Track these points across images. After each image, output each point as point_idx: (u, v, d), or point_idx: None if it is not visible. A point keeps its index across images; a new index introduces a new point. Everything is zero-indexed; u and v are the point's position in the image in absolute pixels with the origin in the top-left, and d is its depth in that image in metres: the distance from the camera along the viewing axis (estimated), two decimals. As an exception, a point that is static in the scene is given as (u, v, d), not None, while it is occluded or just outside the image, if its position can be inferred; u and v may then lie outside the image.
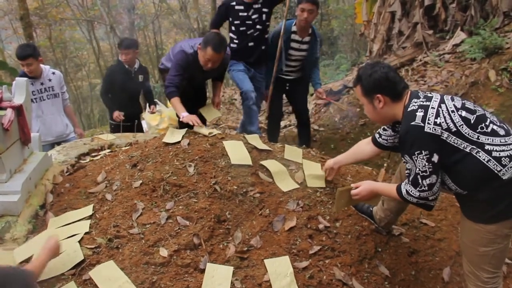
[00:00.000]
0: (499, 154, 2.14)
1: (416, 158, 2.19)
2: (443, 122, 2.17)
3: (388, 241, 2.98)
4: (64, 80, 5.14)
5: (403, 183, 2.36)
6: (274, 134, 5.65)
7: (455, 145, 2.17)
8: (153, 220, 2.74)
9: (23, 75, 4.67)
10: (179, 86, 4.03)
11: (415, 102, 2.27)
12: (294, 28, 5.07)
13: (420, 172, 2.21)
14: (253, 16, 4.85)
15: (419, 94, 2.34)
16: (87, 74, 26.50)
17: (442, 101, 2.25)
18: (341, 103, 6.83)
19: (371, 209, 3.02)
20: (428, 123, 2.16)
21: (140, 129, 5.87)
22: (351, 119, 6.44)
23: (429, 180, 2.21)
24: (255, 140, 3.50)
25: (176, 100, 3.92)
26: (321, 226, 2.87)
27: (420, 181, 2.23)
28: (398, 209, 2.89)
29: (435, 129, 2.16)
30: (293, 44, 5.14)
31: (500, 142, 2.17)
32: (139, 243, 2.60)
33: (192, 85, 4.44)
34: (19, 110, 3.12)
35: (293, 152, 3.55)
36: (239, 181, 3.03)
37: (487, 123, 2.21)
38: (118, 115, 5.48)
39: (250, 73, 5.03)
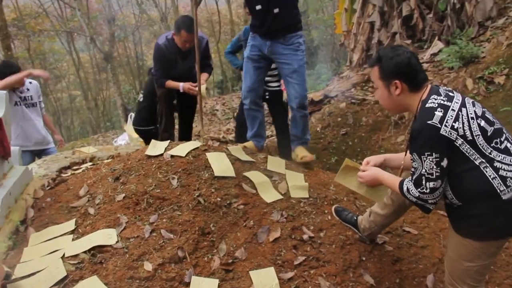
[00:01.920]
0: (506, 173, 2.07)
1: (425, 159, 2.08)
2: (460, 127, 2.05)
3: (372, 249, 2.99)
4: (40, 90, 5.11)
5: (406, 180, 2.26)
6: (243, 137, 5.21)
7: (467, 154, 2.08)
8: (136, 234, 2.72)
9: None
10: (165, 76, 4.56)
11: (435, 99, 2.13)
12: None
13: (425, 173, 2.11)
14: None
15: (440, 91, 2.20)
16: (67, 86, 26.26)
17: (463, 104, 2.13)
18: (323, 113, 6.89)
19: (355, 218, 3.04)
20: (445, 126, 2.04)
21: None
22: (332, 128, 6.50)
23: (433, 184, 2.11)
24: (238, 151, 3.51)
25: (168, 82, 4.55)
26: (305, 237, 2.88)
27: (423, 182, 2.13)
28: (385, 223, 2.89)
29: (451, 133, 2.04)
30: None
31: (510, 161, 2.10)
32: (123, 258, 2.57)
33: (179, 75, 4.60)
34: (-2, 124, 3.08)
35: (276, 163, 3.56)
36: (222, 193, 3.02)
37: (502, 139, 2.14)
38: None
39: (267, 47, 3.80)
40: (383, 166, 2.62)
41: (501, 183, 2.05)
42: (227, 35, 23.79)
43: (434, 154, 2.06)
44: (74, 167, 3.97)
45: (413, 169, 2.20)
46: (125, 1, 21.31)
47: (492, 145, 2.09)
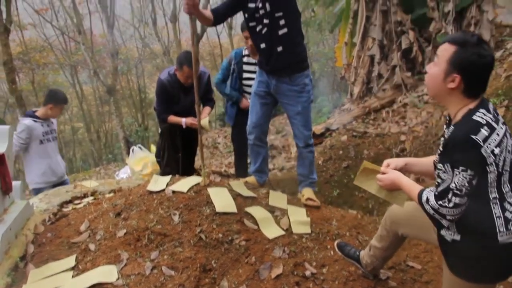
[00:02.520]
0: (511, 217, 1.98)
1: (457, 173, 1.93)
2: (498, 155, 1.93)
3: (376, 285, 2.95)
4: None
5: (427, 189, 2.10)
6: (241, 172, 5.27)
7: (489, 184, 1.97)
8: (137, 271, 2.69)
9: (32, 115, 4.80)
10: (167, 112, 4.67)
11: (484, 115, 1.95)
12: (245, 52, 4.90)
13: (454, 188, 1.95)
14: (260, 7, 3.58)
15: (489, 107, 2.02)
16: (69, 118, 26.42)
17: (505, 133, 1.99)
18: (324, 146, 6.90)
19: (358, 253, 3.01)
20: (487, 146, 1.90)
21: None
22: (334, 161, 6.49)
23: (459, 200, 1.95)
24: (239, 186, 3.51)
25: (171, 117, 4.66)
26: (307, 273, 2.85)
27: (449, 196, 1.96)
28: (385, 256, 2.86)
29: (489, 156, 1.91)
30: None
31: None
32: (123, 295, 2.54)
33: (182, 110, 4.65)
34: (1, 159, 3.09)
35: (278, 198, 3.55)
36: (224, 229, 3.01)
37: None
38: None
39: (272, 86, 3.77)
40: (403, 170, 2.43)
41: (503, 224, 1.96)
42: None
43: (469, 170, 1.91)
44: (76, 201, 3.97)
45: (439, 180, 2.04)
46: (129, 36, 21.71)
47: (510, 184, 2.01)
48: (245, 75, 4.92)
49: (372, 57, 8.57)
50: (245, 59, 4.89)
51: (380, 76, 8.49)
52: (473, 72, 1.96)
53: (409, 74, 8.27)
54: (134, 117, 23.13)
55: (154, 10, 19.48)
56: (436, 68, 2.06)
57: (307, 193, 3.79)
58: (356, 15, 8.94)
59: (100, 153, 23.48)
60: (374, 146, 6.54)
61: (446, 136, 2.07)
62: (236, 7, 3.62)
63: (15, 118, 21.83)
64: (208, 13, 3.40)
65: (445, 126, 2.20)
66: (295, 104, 3.68)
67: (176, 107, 4.64)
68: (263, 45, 3.64)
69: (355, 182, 2.65)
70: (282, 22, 3.45)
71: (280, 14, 3.44)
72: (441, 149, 2.08)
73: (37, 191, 4.71)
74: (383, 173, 2.41)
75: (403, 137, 6.56)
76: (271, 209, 3.37)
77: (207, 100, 4.80)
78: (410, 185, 2.24)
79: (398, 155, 6.27)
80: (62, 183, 5.00)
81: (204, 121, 4.30)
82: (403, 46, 8.28)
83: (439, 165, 2.03)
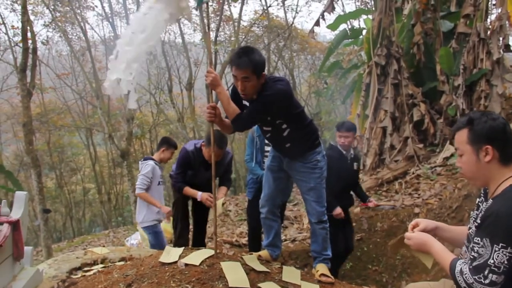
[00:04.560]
0: None
1: (497, 249, 1.85)
2: None
3: None
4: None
5: (462, 260, 2.01)
6: (254, 245, 5.14)
7: None
8: None
9: (151, 158, 5.32)
10: (184, 182, 4.68)
11: None
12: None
13: (492, 265, 1.85)
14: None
15: None
16: (81, 179, 26.63)
17: None
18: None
19: None
20: None
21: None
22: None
23: (496, 277, 1.85)
24: (252, 261, 3.45)
25: (187, 188, 4.66)
26: None
27: (485, 272, 1.87)
28: None
29: None
30: None
31: None
32: None
33: (199, 184, 4.71)
34: (15, 225, 3.10)
35: (291, 273, 3.48)
36: (236, 305, 2.93)
37: None
38: (340, 211, 4.74)
39: (285, 162, 3.75)
40: (433, 233, 2.31)
41: None
42: (240, 135, 24.42)
43: (509, 248, 1.82)
44: (85, 269, 3.91)
45: (475, 254, 1.94)
46: (145, 101, 22.25)
47: None
48: (267, 147, 4.90)
49: (384, 129, 8.68)
50: None
51: (392, 147, 8.55)
52: (497, 135, 1.97)
53: (421, 145, 8.34)
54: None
55: (171, 78, 20.09)
56: (463, 156, 2.07)
57: (321, 269, 3.72)
58: (368, 88, 9.16)
59: (110, 215, 23.42)
60: (387, 219, 6.46)
61: (483, 209, 2.01)
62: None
63: (28, 176, 22.10)
64: (227, 122, 3.37)
65: (480, 199, 2.14)
66: (308, 180, 3.67)
67: (193, 179, 4.70)
68: (271, 143, 3.75)
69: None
70: (284, 126, 3.48)
71: (281, 121, 3.46)
72: (478, 222, 2.00)
73: (151, 229, 5.19)
74: (413, 227, 2.32)
75: (417, 210, 6.51)
76: (285, 285, 3.28)
77: (226, 180, 4.89)
78: (442, 251, 2.14)
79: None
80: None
81: (219, 202, 4.35)
82: (415, 118, 8.42)
83: (476, 239, 1.94)
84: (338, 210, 4.68)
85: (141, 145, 23.58)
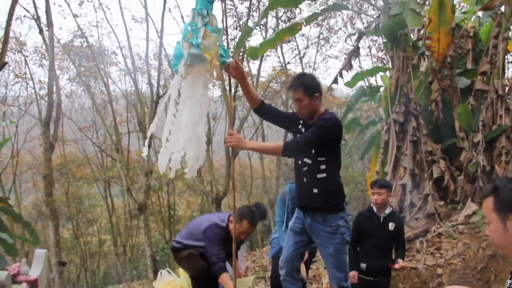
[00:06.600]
0: None
1: None
2: None
3: None
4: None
5: None
6: None
7: None
8: None
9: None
10: (225, 260, 4.23)
11: None
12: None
13: None
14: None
15: None
16: (97, 230, 26.59)
17: None
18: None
19: None
20: None
21: None
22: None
23: None
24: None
25: (226, 276, 4.07)
26: None
27: None
28: None
29: None
30: None
31: None
32: None
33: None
34: (33, 284, 3.08)
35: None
36: None
37: None
38: (353, 275, 4.46)
39: (307, 224, 3.72)
40: None
41: None
42: (258, 189, 24.38)
43: None
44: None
45: None
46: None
47: None
48: None
49: (404, 186, 8.57)
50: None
51: (412, 205, 8.41)
52: None
53: (442, 203, 8.19)
54: (161, 234, 23.08)
55: (189, 133, 20.31)
56: (491, 225, 1.99)
57: None
58: (386, 145, 9.14)
59: (125, 268, 23.15)
60: (409, 280, 6.28)
61: None
62: (286, 121, 3.87)
63: (45, 226, 22.16)
64: (257, 96, 3.71)
65: None
66: (328, 245, 3.65)
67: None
68: (299, 184, 3.74)
69: None
70: (323, 166, 3.53)
71: (323, 159, 3.52)
72: None
73: None
74: None
75: (439, 270, 6.31)
76: None
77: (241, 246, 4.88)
78: None
79: (436, 289, 5.98)
80: None
81: (249, 279, 4.50)
82: (435, 175, 8.32)
83: None
84: (352, 273, 4.37)
85: (158, 197, 23.57)
